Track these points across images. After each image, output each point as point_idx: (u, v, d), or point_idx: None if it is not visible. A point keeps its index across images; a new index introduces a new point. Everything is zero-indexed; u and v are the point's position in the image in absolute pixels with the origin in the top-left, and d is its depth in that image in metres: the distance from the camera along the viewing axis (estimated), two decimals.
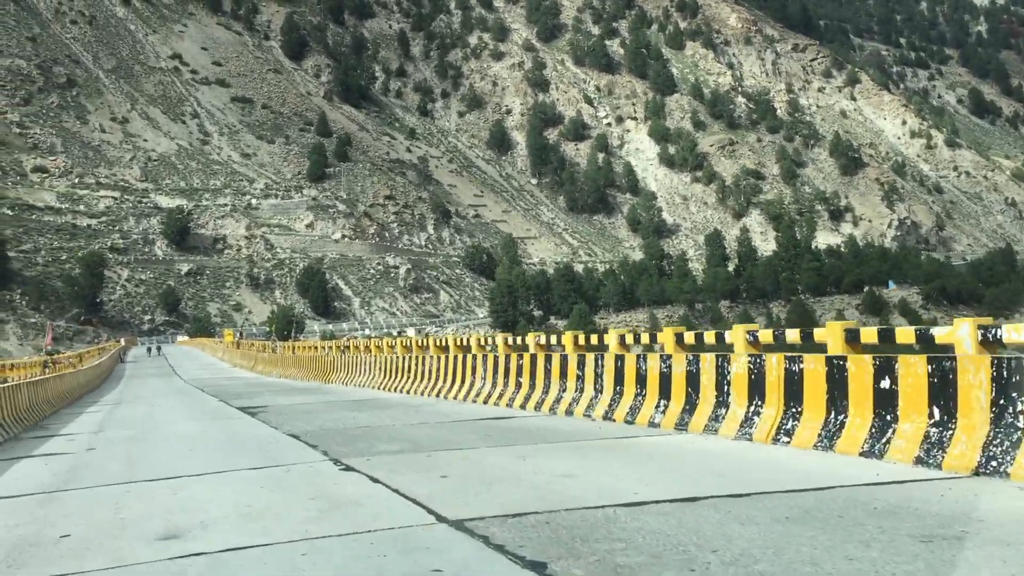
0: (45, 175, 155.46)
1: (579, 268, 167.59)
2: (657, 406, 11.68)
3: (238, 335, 72.28)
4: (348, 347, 29.39)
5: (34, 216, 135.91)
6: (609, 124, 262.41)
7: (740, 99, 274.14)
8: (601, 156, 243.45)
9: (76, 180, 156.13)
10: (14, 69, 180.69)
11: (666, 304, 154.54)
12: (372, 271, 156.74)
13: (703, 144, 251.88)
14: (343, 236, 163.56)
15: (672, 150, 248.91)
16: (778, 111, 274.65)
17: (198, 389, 29.26)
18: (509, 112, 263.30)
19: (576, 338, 15.58)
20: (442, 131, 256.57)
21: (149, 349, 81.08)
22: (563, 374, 14.41)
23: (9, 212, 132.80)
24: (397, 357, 23.24)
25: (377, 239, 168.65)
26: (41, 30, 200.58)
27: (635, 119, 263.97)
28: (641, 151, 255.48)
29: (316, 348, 33.89)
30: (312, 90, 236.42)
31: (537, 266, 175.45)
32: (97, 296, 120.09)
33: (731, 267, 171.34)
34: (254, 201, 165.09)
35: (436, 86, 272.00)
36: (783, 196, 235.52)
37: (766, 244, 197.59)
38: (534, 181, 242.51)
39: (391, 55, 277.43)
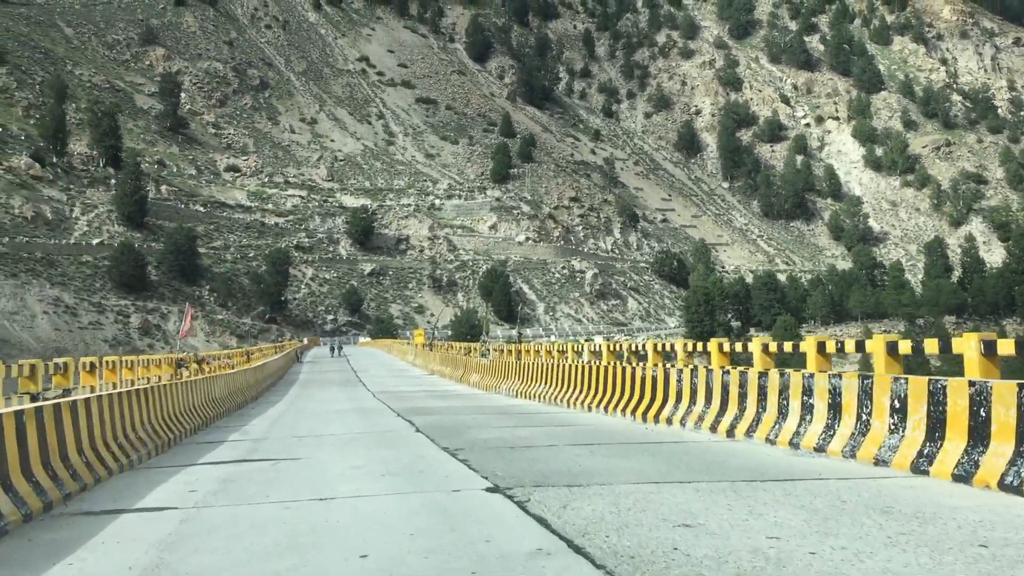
0: (237, 174, 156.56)
1: (780, 277, 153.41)
2: None
3: (430, 335, 64.16)
4: (628, 357, 20.20)
5: (224, 213, 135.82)
6: (808, 125, 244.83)
7: (956, 97, 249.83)
8: (799, 159, 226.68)
9: (266, 179, 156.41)
10: (212, 72, 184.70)
11: (881, 318, 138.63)
12: (557, 275, 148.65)
13: (915, 145, 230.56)
14: (527, 238, 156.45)
15: (879, 152, 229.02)
16: (999, 110, 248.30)
17: (399, 415, 19.13)
18: (698, 112, 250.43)
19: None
20: (627, 132, 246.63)
21: (332, 349, 72.91)
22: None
23: (202, 209, 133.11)
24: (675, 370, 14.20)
25: (562, 242, 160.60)
26: (237, 34, 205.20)
27: (837, 119, 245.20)
28: (844, 153, 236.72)
29: (553, 354, 24.74)
30: (496, 91, 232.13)
31: (731, 274, 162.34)
32: (282, 294, 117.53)
33: (954, 279, 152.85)
34: (437, 201, 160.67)
35: (621, 86, 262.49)
36: (1009, 202, 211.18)
37: (989, 255, 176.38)
38: (726, 185, 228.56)
39: (575, 55, 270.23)
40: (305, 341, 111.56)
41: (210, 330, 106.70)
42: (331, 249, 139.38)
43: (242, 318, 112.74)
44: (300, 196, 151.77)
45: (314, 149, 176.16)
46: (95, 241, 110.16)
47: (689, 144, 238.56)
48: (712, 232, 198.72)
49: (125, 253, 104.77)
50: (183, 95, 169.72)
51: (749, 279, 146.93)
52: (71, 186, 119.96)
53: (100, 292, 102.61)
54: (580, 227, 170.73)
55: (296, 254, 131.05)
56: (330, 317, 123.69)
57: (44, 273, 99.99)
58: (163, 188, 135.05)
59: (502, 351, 32.98)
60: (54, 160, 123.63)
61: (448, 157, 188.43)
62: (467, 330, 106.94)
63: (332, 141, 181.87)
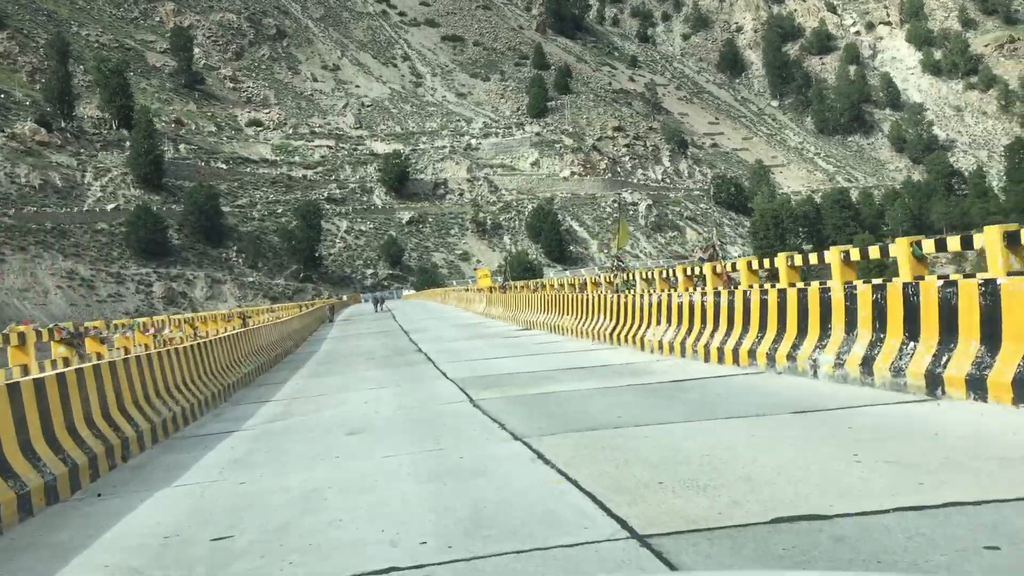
0: (259, 128, 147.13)
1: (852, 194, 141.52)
2: None
3: (498, 278, 51.54)
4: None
5: (248, 169, 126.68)
6: (858, 32, 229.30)
7: None
8: (852, 69, 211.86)
9: (290, 131, 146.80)
10: (225, 24, 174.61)
11: (967, 228, 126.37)
12: (608, 209, 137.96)
13: (976, 45, 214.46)
14: (572, 173, 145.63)
15: (937, 55, 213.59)
16: None
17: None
18: (740, 30, 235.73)
19: None
20: (666, 57, 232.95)
21: (376, 302, 57.47)
22: None
23: (223, 167, 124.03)
24: None
25: (609, 175, 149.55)
26: None
27: (888, 24, 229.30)
28: (899, 60, 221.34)
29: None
30: (524, 23, 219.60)
31: (791, 195, 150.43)
32: (316, 250, 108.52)
33: None
34: (473, 141, 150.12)
35: (656, 8, 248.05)
36: None
37: None
38: (775, 103, 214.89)
39: None
40: (344, 298, 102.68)
41: (240, 294, 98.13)
42: (365, 199, 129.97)
43: (274, 279, 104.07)
44: (328, 146, 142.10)
45: (339, 96, 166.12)
46: (110, 207, 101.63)
47: (732, 64, 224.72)
48: (766, 154, 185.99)
49: (142, 217, 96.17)
50: (196, 50, 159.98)
51: (820, 198, 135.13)
52: (81, 151, 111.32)
53: (118, 261, 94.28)
54: (627, 157, 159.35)
55: (328, 207, 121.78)
56: (369, 271, 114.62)
57: (56, 245, 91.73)
58: (181, 147, 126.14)
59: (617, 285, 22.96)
60: (62, 125, 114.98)
61: (481, 95, 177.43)
62: (520, 273, 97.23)
63: (357, 87, 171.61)
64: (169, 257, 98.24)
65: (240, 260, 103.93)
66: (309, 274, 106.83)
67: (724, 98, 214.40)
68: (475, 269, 52.63)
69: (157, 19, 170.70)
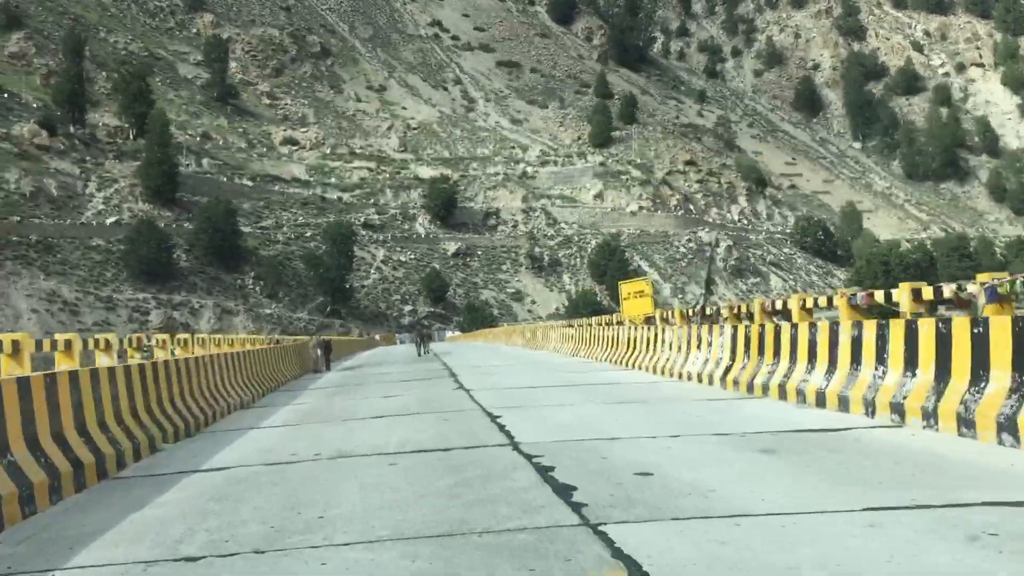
0: (295, 147, 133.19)
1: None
2: None
3: (666, 300, 32.03)
4: None
5: (277, 188, 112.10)
6: (947, 74, 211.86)
7: None
8: (945, 112, 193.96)
9: (328, 151, 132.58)
10: (266, 39, 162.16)
11: None
12: (682, 249, 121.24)
13: None
14: (640, 208, 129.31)
15: None
16: None
17: None
18: (817, 67, 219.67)
19: None
20: (736, 93, 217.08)
21: (421, 340, 37.27)
22: None
23: (249, 183, 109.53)
24: None
25: (681, 211, 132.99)
26: (296, 0, 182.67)
27: (981, 66, 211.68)
28: (993, 103, 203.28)
29: None
30: (584, 53, 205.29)
31: (901, 240, 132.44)
32: (346, 281, 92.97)
33: None
34: (530, 169, 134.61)
35: (725, 44, 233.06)
36: None
37: None
38: (857, 145, 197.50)
39: (670, 14, 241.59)
40: (377, 338, 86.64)
41: (255, 327, 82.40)
42: (406, 227, 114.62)
43: (296, 312, 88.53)
44: (368, 168, 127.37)
45: (383, 118, 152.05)
46: (109, 221, 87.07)
47: (810, 102, 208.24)
48: (847, 198, 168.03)
49: (145, 233, 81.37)
50: (233, 64, 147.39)
51: (930, 245, 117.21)
52: (88, 159, 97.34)
53: (112, 283, 79.37)
54: (700, 194, 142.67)
55: (364, 232, 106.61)
56: (408, 308, 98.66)
57: (39, 261, 77.12)
58: (204, 162, 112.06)
59: None
60: (71, 130, 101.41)
61: (537, 122, 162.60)
62: (588, 315, 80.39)
63: (404, 109, 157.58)
64: (173, 281, 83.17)
65: (257, 288, 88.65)
66: (337, 308, 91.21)
67: (801, 138, 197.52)
68: (630, 285, 26.38)
69: (194, 31, 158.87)
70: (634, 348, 20.06)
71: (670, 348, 17.28)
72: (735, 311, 16.48)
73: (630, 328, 21.51)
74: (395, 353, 44.70)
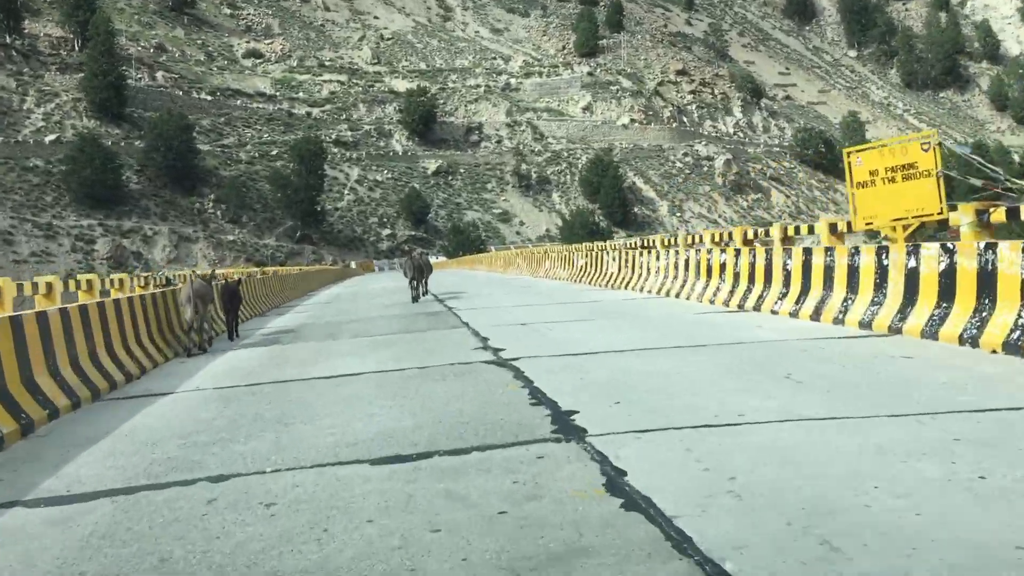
0: (259, 60, 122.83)
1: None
2: None
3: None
4: None
5: (239, 103, 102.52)
6: None
7: None
8: (943, 16, 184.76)
9: (295, 64, 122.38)
10: None
11: None
12: (678, 164, 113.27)
13: None
14: (632, 121, 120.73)
15: None
16: None
17: None
18: None
19: None
20: (725, 0, 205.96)
21: (415, 271, 20.53)
22: None
23: (208, 98, 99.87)
24: None
25: (675, 124, 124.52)
26: None
27: None
28: (992, 7, 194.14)
29: None
30: None
31: None
32: (317, 203, 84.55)
33: None
34: (513, 81, 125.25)
35: None
36: None
37: None
38: (852, 53, 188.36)
39: None
40: (353, 265, 79.03)
41: (216, 256, 74.32)
42: (382, 144, 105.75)
43: (263, 238, 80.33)
44: (339, 82, 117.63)
45: (354, 28, 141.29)
46: (49, 139, 77.80)
47: (802, 8, 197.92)
48: (844, 108, 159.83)
49: (89, 152, 72.36)
50: None
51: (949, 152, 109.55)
52: (25, 70, 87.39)
53: (52, 209, 70.67)
54: (693, 106, 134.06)
55: (336, 151, 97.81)
56: (386, 231, 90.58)
57: None
58: (159, 75, 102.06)
59: None
60: (6, 40, 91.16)
61: (519, 31, 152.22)
62: (584, 236, 73.03)
63: (376, 19, 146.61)
64: (122, 206, 74.56)
65: (219, 213, 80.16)
66: (308, 233, 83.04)
67: (794, 47, 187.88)
68: (867, 146, 16.76)
69: None
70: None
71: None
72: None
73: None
74: (375, 287, 34.18)
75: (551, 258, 31.88)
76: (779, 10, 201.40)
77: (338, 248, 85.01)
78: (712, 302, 14.10)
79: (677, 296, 15.76)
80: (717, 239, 19.80)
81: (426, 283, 21.23)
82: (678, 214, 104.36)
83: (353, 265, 79.40)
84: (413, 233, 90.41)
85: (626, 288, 19.38)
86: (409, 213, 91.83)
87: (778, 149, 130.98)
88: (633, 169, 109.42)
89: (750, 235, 18.17)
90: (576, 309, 15.18)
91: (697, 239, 22.24)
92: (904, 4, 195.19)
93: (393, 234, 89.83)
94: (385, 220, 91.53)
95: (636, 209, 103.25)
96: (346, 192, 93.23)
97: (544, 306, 16.60)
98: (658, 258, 17.76)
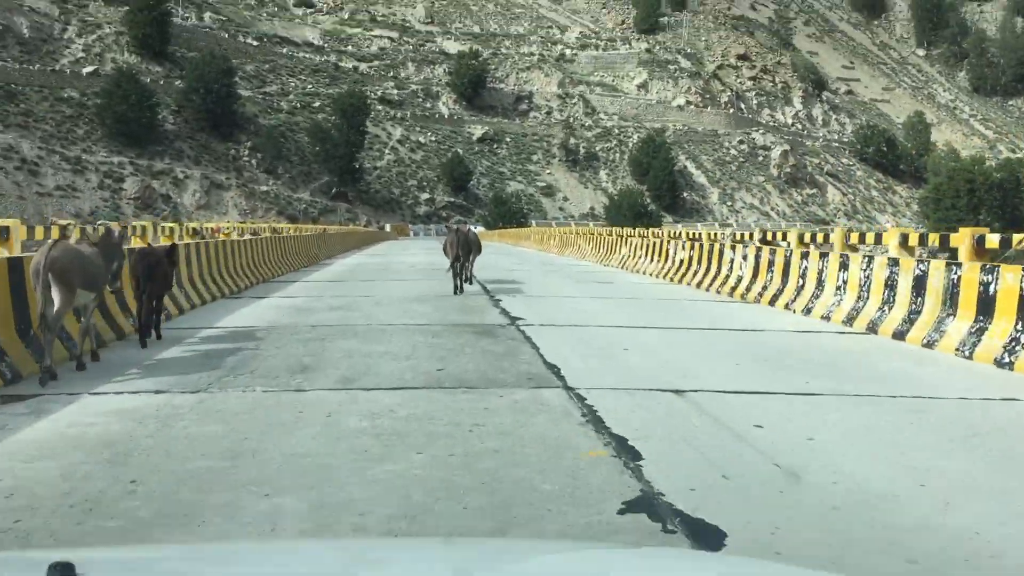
0: (310, 10, 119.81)
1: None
2: None
3: None
4: None
5: (285, 50, 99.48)
6: None
7: None
8: (1020, 22, 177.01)
9: (346, 16, 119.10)
10: None
11: None
12: (732, 151, 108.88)
13: None
14: (687, 102, 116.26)
15: None
16: None
17: None
18: None
19: None
20: None
21: (458, 260, 15.37)
22: None
23: (254, 43, 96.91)
24: None
25: (732, 109, 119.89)
26: None
27: None
28: None
29: None
30: None
31: (965, 159, 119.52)
32: (357, 160, 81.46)
33: None
34: (568, 52, 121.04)
35: None
36: None
37: None
38: (921, 52, 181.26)
39: None
40: (387, 228, 76.05)
41: (248, 206, 71.62)
42: (428, 105, 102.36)
43: (297, 191, 77.49)
44: (389, 38, 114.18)
45: None
46: (86, 70, 75.20)
47: (872, 2, 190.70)
48: (908, 108, 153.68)
49: (124, 87, 69.64)
50: None
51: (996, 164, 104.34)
52: None
53: (83, 142, 68.17)
54: (752, 92, 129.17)
55: (380, 108, 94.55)
56: (424, 196, 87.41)
57: None
58: (206, 16, 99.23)
59: None
60: None
61: (579, 2, 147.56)
62: (631, 218, 69.36)
63: None
64: (156, 146, 71.91)
65: (254, 162, 77.35)
66: (344, 190, 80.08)
67: (860, 40, 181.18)
68: None
69: None
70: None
71: None
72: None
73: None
74: (404, 261, 27.98)
75: (631, 245, 25.44)
76: (848, 2, 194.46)
77: (373, 209, 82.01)
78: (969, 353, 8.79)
79: (902, 338, 9.86)
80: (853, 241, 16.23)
81: (471, 263, 16.81)
82: (729, 203, 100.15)
83: (387, 228, 76.39)
84: (452, 200, 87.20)
85: (787, 308, 13.02)
86: (450, 179, 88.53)
87: (837, 145, 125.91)
88: (685, 152, 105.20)
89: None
90: (759, 350, 9.24)
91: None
92: (979, 6, 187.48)
93: (432, 199, 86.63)
94: (424, 184, 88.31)
95: (685, 194, 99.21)
96: (387, 151, 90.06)
97: (683, 331, 10.66)
98: (846, 269, 11.70)
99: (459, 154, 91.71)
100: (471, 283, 16.80)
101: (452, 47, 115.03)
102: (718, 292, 15.96)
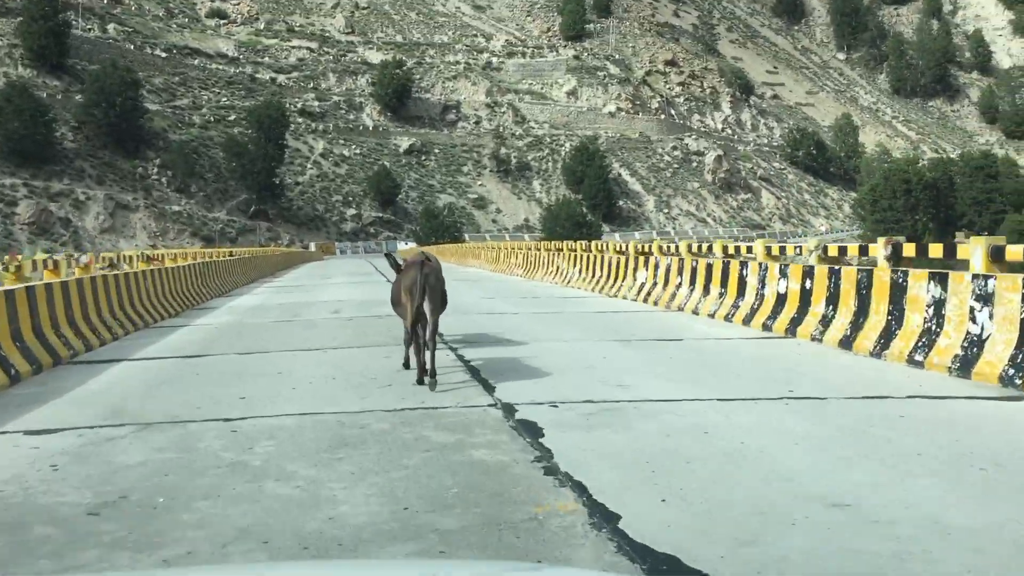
0: (224, 21, 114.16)
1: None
2: None
3: None
4: None
5: (197, 62, 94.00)
6: None
7: None
8: (935, 24, 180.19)
9: (262, 27, 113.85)
10: None
11: None
12: (667, 158, 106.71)
13: None
14: (618, 109, 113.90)
15: None
16: None
17: None
18: None
19: None
20: None
21: (418, 309, 7.93)
22: None
23: (162, 55, 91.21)
24: None
25: (663, 115, 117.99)
26: None
27: None
28: (984, 18, 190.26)
29: None
30: None
31: (899, 159, 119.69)
32: (276, 175, 76.59)
33: None
34: (495, 60, 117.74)
35: None
36: None
37: None
38: (842, 56, 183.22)
39: None
40: (312, 247, 71.54)
41: (158, 228, 66.22)
42: (351, 117, 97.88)
43: (213, 210, 72.24)
44: (309, 49, 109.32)
45: None
46: None
47: (792, 7, 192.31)
48: (833, 112, 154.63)
49: (16, 101, 63.79)
50: None
51: (960, 163, 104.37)
52: None
53: None
54: (681, 98, 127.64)
55: (300, 120, 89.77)
56: (350, 211, 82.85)
57: None
58: (110, 28, 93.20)
59: None
60: None
61: (503, 10, 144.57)
62: (570, 229, 66.04)
63: None
64: (53, 165, 66.08)
65: (164, 180, 71.90)
66: (264, 208, 75.06)
67: (782, 46, 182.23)
68: None
69: None
70: None
71: None
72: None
73: None
74: (329, 298, 20.15)
75: (649, 265, 17.05)
76: (768, 7, 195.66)
77: (296, 227, 77.23)
78: None
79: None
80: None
81: (436, 312, 8.11)
82: (665, 211, 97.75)
83: (312, 247, 71.77)
84: (380, 215, 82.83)
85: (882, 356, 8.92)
86: (377, 192, 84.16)
87: (768, 149, 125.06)
88: (619, 160, 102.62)
89: None
90: None
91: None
92: (896, 9, 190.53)
93: (359, 214, 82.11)
94: (350, 199, 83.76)
95: (621, 203, 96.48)
96: (309, 166, 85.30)
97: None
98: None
99: (386, 167, 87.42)
100: (434, 350, 7.99)
101: (375, 57, 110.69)
102: (769, 330, 11.85)
